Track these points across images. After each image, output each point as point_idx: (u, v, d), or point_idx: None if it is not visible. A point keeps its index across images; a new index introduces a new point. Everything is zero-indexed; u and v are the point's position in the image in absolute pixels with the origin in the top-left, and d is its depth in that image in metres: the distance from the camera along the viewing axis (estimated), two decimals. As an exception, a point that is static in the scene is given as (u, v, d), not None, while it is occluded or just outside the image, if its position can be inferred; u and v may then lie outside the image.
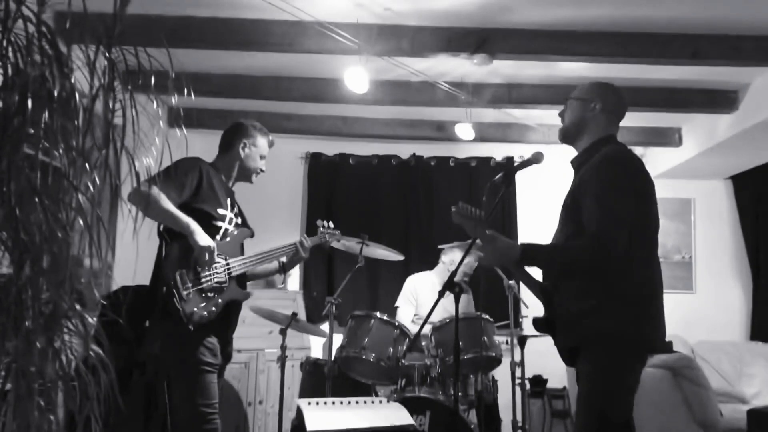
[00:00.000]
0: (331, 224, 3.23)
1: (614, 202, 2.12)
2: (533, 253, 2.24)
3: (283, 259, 2.95)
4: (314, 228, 3.17)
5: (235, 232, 2.70)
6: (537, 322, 2.33)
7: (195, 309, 2.42)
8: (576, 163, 2.41)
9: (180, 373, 2.48)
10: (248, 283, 2.85)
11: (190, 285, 2.45)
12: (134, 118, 1.19)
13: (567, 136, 2.43)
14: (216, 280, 2.53)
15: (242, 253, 2.74)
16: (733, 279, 5.73)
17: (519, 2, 3.30)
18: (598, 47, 3.60)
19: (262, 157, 2.86)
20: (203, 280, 2.49)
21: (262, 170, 2.88)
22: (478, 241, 2.30)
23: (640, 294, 2.17)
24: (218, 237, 2.61)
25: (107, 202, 1.20)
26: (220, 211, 2.65)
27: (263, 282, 5.25)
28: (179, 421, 2.45)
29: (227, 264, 2.60)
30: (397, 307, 4.42)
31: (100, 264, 1.18)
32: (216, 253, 2.51)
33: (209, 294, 2.49)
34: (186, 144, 1.68)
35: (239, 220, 2.76)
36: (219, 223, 2.63)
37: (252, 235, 2.81)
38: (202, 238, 2.47)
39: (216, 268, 2.54)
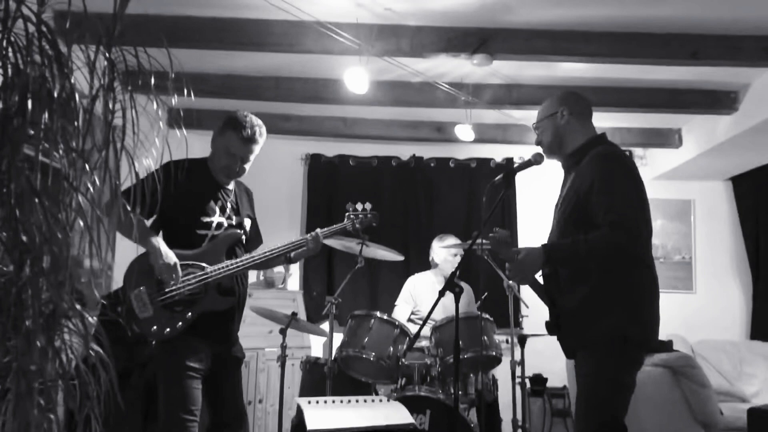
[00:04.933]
0: (368, 205, 2.90)
1: (621, 188, 2.16)
2: (556, 251, 2.24)
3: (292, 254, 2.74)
4: (314, 229, 2.82)
5: (221, 237, 2.55)
6: (549, 325, 2.37)
7: (155, 327, 2.37)
8: (566, 166, 2.44)
9: (164, 375, 2.44)
10: (249, 283, 2.77)
11: (148, 304, 2.37)
12: (134, 118, 1.20)
13: (551, 150, 2.46)
14: (187, 292, 2.43)
15: (232, 257, 2.57)
16: (733, 279, 5.73)
17: (519, 2, 3.30)
18: (598, 47, 3.60)
19: (230, 154, 2.54)
20: (167, 296, 2.40)
21: (233, 169, 2.56)
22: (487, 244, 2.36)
23: (639, 294, 2.18)
24: (203, 245, 2.51)
25: (107, 203, 1.20)
26: (204, 219, 2.53)
27: (263, 282, 5.27)
28: (159, 423, 2.41)
29: (205, 273, 2.47)
30: (395, 306, 4.45)
31: (100, 264, 1.19)
32: (180, 266, 2.40)
33: (176, 309, 2.41)
34: (186, 145, 1.69)
35: (234, 221, 2.62)
36: (203, 231, 2.53)
37: (241, 237, 2.63)
38: (161, 257, 2.36)
39: (189, 279, 2.43)
